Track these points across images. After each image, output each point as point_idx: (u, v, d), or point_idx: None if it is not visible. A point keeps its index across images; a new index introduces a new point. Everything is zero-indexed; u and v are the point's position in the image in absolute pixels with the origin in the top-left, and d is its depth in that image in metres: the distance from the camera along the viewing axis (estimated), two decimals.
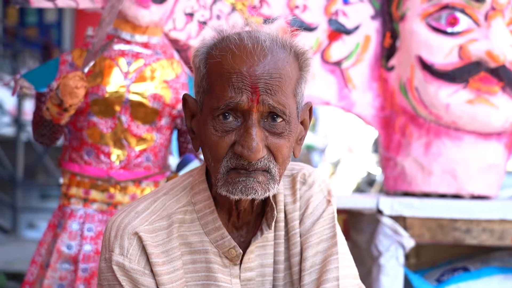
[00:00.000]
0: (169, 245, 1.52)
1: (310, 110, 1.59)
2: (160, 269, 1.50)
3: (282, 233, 1.61)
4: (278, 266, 1.61)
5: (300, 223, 1.62)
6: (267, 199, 1.57)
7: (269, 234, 1.60)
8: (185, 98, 1.57)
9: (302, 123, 1.56)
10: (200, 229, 1.55)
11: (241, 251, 1.55)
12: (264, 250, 1.60)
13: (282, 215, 1.62)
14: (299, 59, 1.52)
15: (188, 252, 1.54)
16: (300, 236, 1.61)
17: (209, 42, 1.51)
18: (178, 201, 1.56)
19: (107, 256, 1.51)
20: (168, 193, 1.58)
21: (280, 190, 1.61)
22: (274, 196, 1.60)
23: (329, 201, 1.64)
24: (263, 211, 1.59)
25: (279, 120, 1.45)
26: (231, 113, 1.44)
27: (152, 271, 1.50)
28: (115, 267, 1.49)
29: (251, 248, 1.58)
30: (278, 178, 1.48)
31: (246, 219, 1.57)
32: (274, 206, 1.58)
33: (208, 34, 1.53)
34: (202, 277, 1.55)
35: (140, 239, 1.49)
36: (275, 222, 1.60)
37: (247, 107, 1.43)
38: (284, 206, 1.62)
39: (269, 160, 1.45)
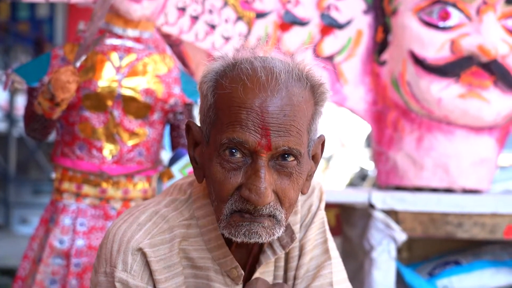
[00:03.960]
0: (171, 261, 1.47)
1: (323, 144, 1.50)
2: (163, 286, 1.45)
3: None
4: (276, 281, 1.57)
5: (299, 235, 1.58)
6: None
7: (275, 256, 1.54)
8: (189, 125, 1.48)
9: (313, 157, 1.47)
10: (203, 245, 1.49)
11: (243, 272, 1.49)
12: (266, 268, 1.56)
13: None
14: (315, 93, 1.41)
15: (189, 267, 1.49)
16: (299, 250, 1.57)
17: (218, 68, 1.40)
18: (181, 214, 1.49)
19: (108, 270, 1.45)
20: (169, 205, 1.51)
21: None
22: None
23: (318, 206, 1.60)
24: None
25: (290, 159, 1.36)
26: (238, 150, 1.35)
27: (154, 287, 1.45)
28: (118, 284, 1.43)
29: (258, 268, 1.52)
30: (284, 223, 1.40)
31: None
32: (294, 228, 1.53)
33: (217, 57, 1.42)
34: None
35: (144, 255, 1.44)
36: (280, 241, 1.53)
37: (256, 148, 1.33)
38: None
39: (275, 208, 1.37)
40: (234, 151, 1.35)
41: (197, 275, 1.49)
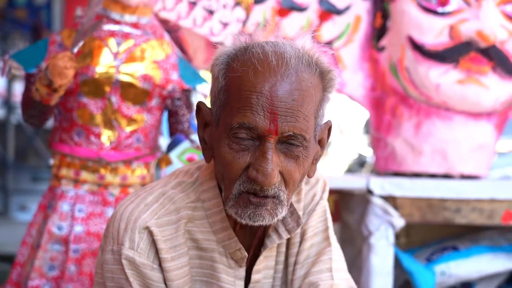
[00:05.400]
0: (177, 241, 1.50)
1: (329, 129, 1.53)
2: (168, 265, 1.47)
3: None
4: (278, 267, 1.60)
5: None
6: None
7: (281, 240, 1.56)
8: (199, 106, 1.51)
9: (319, 142, 1.51)
10: (208, 227, 1.52)
11: (246, 254, 1.52)
12: (270, 252, 1.58)
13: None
14: (324, 79, 1.44)
15: (194, 248, 1.52)
16: (300, 237, 1.60)
17: (229, 52, 1.44)
18: (188, 196, 1.53)
19: (116, 248, 1.48)
20: (176, 187, 1.54)
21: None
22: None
23: (321, 196, 1.64)
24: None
25: (297, 144, 1.40)
26: (247, 133, 1.39)
27: (160, 265, 1.47)
28: (124, 261, 1.46)
29: (263, 251, 1.55)
30: (286, 203, 1.44)
31: None
32: (299, 214, 1.56)
33: (229, 40, 1.46)
34: (207, 274, 1.53)
35: (150, 234, 1.47)
36: (285, 226, 1.56)
37: (266, 131, 1.37)
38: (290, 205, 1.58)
39: (279, 188, 1.41)
40: (243, 133, 1.39)
41: (202, 256, 1.52)
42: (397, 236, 3.01)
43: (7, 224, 7.05)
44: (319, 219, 1.62)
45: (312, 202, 1.62)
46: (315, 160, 1.50)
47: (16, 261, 2.59)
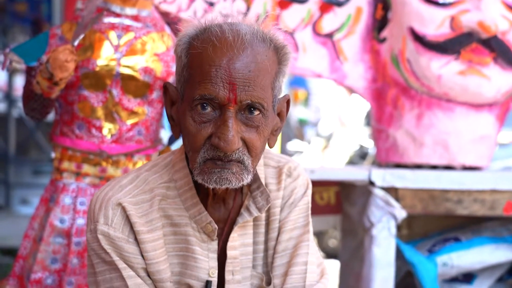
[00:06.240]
0: (151, 216, 1.58)
1: (288, 102, 1.64)
2: (143, 237, 1.55)
3: (262, 215, 1.68)
4: (258, 247, 1.69)
5: (281, 211, 1.69)
6: (253, 179, 1.62)
7: (251, 217, 1.65)
8: (166, 86, 1.61)
9: (279, 114, 1.61)
10: (180, 204, 1.60)
11: (216, 226, 1.60)
12: (244, 230, 1.66)
13: None
14: (279, 53, 1.55)
15: (168, 224, 1.60)
16: (279, 223, 1.69)
17: (191, 32, 1.54)
18: (161, 177, 1.62)
19: (92, 227, 1.56)
20: (150, 169, 1.64)
21: (261, 175, 1.67)
22: (256, 181, 1.65)
23: (305, 192, 1.73)
24: (241, 190, 1.64)
25: (256, 113, 1.50)
26: (209, 104, 1.49)
27: (136, 239, 1.56)
28: (100, 236, 1.55)
29: (235, 228, 1.63)
30: (251, 169, 1.54)
31: (221, 196, 1.62)
32: (269, 192, 1.65)
33: (190, 24, 1.56)
34: (182, 249, 1.60)
35: (123, 209, 1.55)
36: (256, 204, 1.65)
37: (225, 102, 1.47)
38: (269, 192, 1.67)
39: (243, 153, 1.51)
40: (205, 105, 1.48)
41: (176, 232, 1.60)
42: (399, 227, 3.01)
43: (9, 217, 7.05)
44: (300, 214, 1.70)
45: (293, 195, 1.70)
46: (275, 131, 1.61)
47: (19, 254, 2.59)
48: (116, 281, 1.55)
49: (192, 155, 1.52)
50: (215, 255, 1.62)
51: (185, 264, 1.60)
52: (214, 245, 1.62)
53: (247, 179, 1.53)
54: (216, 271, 1.62)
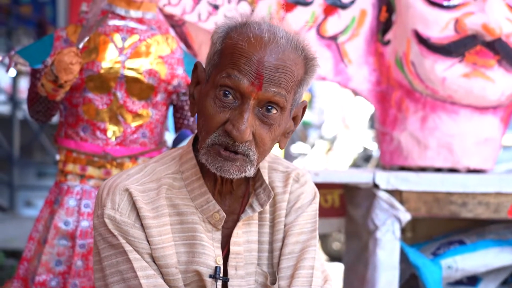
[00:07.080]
0: (158, 203, 1.61)
1: (304, 108, 1.68)
2: (149, 222, 1.58)
3: (267, 215, 1.71)
4: (263, 246, 1.72)
5: (287, 214, 1.72)
6: (256, 178, 1.68)
7: (254, 213, 1.69)
8: (196, 65, 1.65)
9: (293, 118, 1.66)
10: (186, 195, 1.64)
11: (224, 215, 1.63)
12: (249, 227, 1.69)
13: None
14: (307, 64, 1.60)
15: (175, 213, 1.63)
16: (284, 226, 1.72)
17: (230, 24, 1.60)
18: (168, 168, 1.66)
19: (100, 212, 1.60)
20: (158, 161, 1.68)
21: (265, 176, 1.71)
22: (259, 179, 1.69)
23: (313, 199, 1.77)
24: (247, 183, 1.69)
25: (273, 111, 1.55)
26: (231, 93, 1.54)
27: (142, 225, 1.58)
28: (106, 220, 1.58)
29: (239, 224, 1.66)
30: (255, 164, 1.58)
31: (229, 187, 1.66)
32: (270, 188, 1.69)
33: (231, 17, 1.62)
34: (189, 237, 1.62)
35: (130, 195, 1.58)
36: (258, 201, 1.69)
37: (248, 91, 1.52)
38: (275, 195, 1.72)
39: (250, 148, 1.55)
40: (227, 93, 1.54)
41: (183, 220, 1.63)
42: (403, 230, 3.00)
43: (14, 219, 7.06)
44: (308, 220, 1.74)
45: (299, 200, 1.74)
46: (287, 134, 1.65)
47: (23, 257, 2.60)
48: (122, 264, 1.57)
49: (204, 135, 1.57)
50: (219, 245, 1.65)
51: (192, 252, 1.62)
52: (218, 235, 1.65)
53: (250, 171, 1.58)
54: (222, 260, 1.65)
